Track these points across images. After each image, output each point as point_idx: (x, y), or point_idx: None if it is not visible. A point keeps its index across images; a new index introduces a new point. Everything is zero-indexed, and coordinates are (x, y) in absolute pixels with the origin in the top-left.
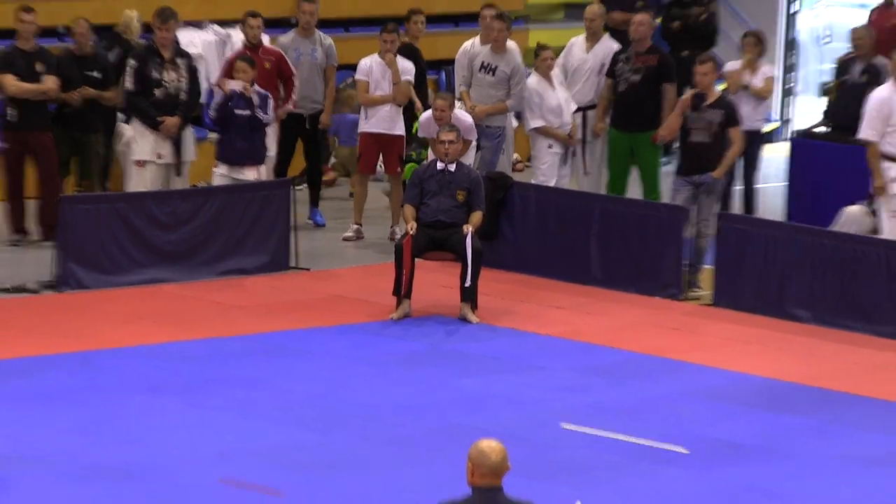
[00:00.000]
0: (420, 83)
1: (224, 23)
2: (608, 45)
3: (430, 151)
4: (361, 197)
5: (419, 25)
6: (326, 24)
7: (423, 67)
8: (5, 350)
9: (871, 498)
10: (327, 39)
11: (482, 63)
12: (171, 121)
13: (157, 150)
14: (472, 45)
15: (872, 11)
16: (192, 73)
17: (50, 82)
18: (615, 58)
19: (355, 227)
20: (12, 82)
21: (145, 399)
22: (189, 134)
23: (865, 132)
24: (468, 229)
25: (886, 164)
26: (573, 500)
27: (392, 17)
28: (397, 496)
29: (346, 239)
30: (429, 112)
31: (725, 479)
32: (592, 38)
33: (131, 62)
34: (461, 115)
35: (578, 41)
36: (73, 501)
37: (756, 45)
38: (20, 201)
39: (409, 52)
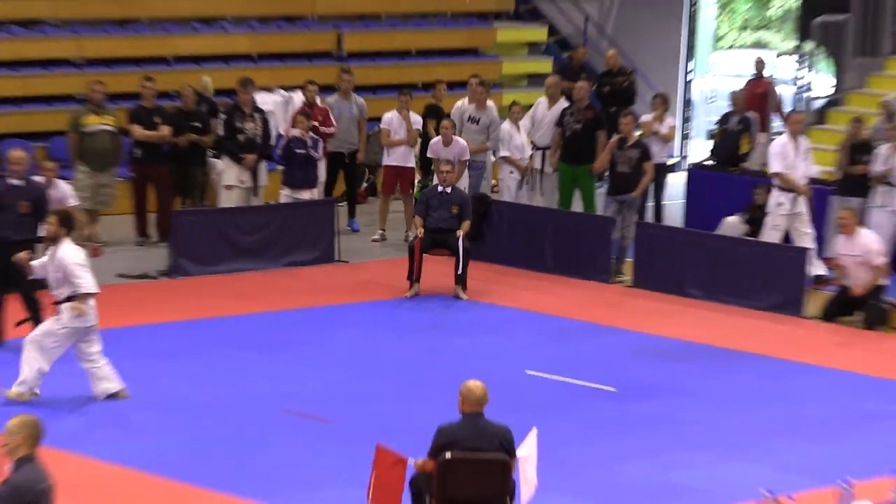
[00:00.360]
0: (437, 129)
1: (287, 88)
2: (562, 105)
3: (434, 177)
4: (384, 210)
5: (441, 91)
6: (360, 89)
7: (442, 118)
8: (133, 319)
9: (744, 419)
10: (360, 99)
11: (469, 116)
12: (251, 157)
13: (240, 178)
14: (462, 104)
15: (748, 82)
16: (265, 123)
17: (164, 130)
18: (563, 112)
19: (380, 232)
20: (138, 131)
21: (233, 353)
22: (263, 166)
23: (775, 167)
24: (461, 233)
25: (776, 192)
26: (536, 425)
27: (406, 83)
28: (410, 422)
29: (373, 240)
30: (436, 138)
31: (642, 410)
32: (552, 100)
33: (222, 115)
34: (458, 139)
35: (543, 101)
36: (180, 429)
37: (662, 103)
38: (144, 214)
39: (434, 109)
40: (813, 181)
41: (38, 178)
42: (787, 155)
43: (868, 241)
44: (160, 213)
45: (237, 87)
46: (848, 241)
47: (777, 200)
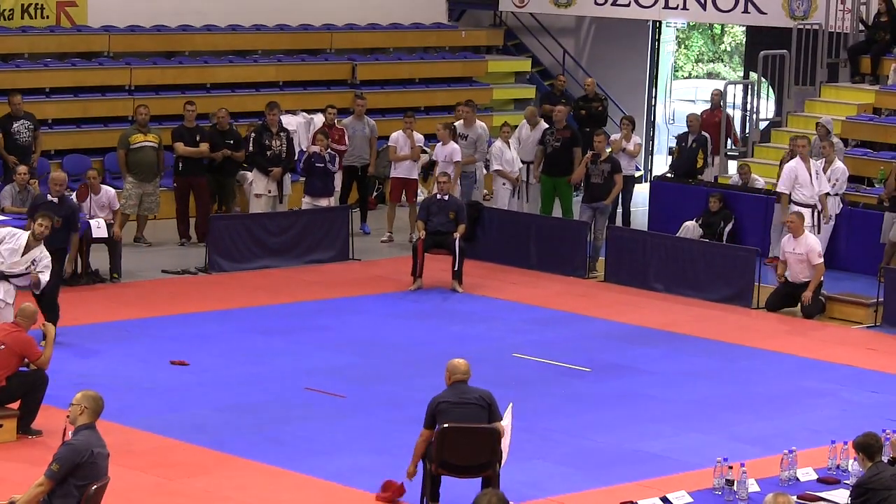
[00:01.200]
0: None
1: (309, 111)
2: (543, 127)
3: (433, 187)
4: (392, 216)
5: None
6: (371, 111)
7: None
8: (175, 309)
9: (700, 396)
10: (371, 121)
11: (459, 133)
12: (277, 170)
13: (268, 188)
14: (456, 123)
15: (703, 112)
16: (289, 141)
17: (203, 147)
18: (545, 132)
19: (388, 234)
20: (181, 147)
21: (260, 338)
22: (287, 178)
23: (781, 187)
24: (457, 235)
25: (795, 207)
26: (521, 399)
27: (410, 107)
28: (412, 395)
29: (382, 241)
30: (438, 145)
31: (612, 387)
32: (532, 125)
33: (252, 135)
34: (453, 144)
35: (525, 124)
36: (213, 405)
37: (629, 124)
38: (185, 219)
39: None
40: (758, 191)
41: (72, 195)
42: (793, 177)
43: (811, 242)
44: (199, 217)
45: (265, 109)
46: (794, 242)
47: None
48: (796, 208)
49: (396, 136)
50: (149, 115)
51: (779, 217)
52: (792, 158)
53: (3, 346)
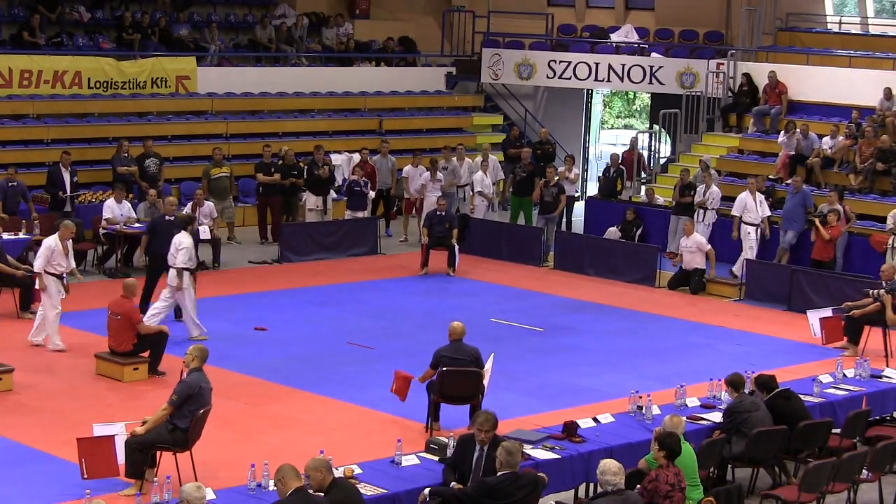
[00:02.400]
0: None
1: (350, 151)
2: (493, 160)
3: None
4: (406, 224)
5: (460, 152)
6: (393, 151)
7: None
8: (258, 288)
9: (620, 348)
10: (392, 158)
11: (442, 166)
12: (323, 191)
13: (317, 204)
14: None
15: (624, 151)
16: (331, 171)
17: (276, 176)
18: (515, 167)
19: (405, 237)
20: (261, 177)
21: (317, 308)
22: (330, 198)
23: (735, 211)
24: (454, 242)
25: (745, 228)
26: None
27: (419, 149)
28: (419, 348)
29: (401, 241)
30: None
31: (560, 342)
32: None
33: (305, 167)
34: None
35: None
36: (286, 351)
37: (571, 160)
38: (265, 226)
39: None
40: (659, 206)
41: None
42: (746, 204)
43: (699, 239)
44: (274, 225)
45: (313, 150)
46: (687, 239)
47: (745, 231)
48: (746, 227)
49: (409, 170)
50: (223, 154)
51: (675, 224)
52: (684, 185)
53: (119, 316)
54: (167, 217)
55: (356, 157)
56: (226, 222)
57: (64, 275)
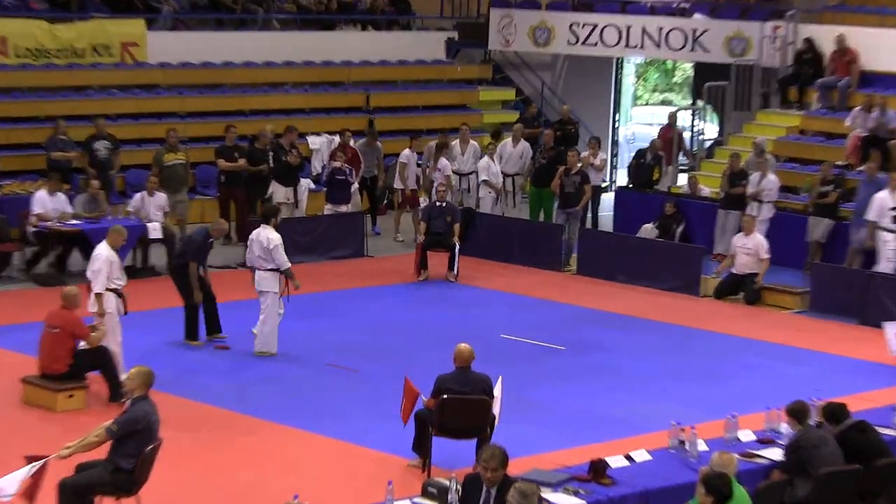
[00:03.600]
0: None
1: (331, 132)
2: (524, 144)
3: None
4: (398, 218)
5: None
6: (381, 133)
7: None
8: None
9: (657, 369)
10: (379, 144)
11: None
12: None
13: (287, 196)
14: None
15: (661, 128)
16: (302, 157)
17: (241, 162)
18: (535, 152)
19: (397, 234)
20: (223, 163)
21: (285, 323)
22: (303, 187)
23: (872, 215)
24: (456, 242)
25: (884, 236)
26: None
27: (415, 129)
28: (417, 370)
29: (397, 240)
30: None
31: (584, 362)
32: (515, 140)
33: (271, 153)
34: (443, 159)
35: (508, 141)
36: (253, 373)
37: (596, 143)
38: (227, 222)
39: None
40: (704, 199)
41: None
42: (884, 206)
43: (761, 241)
44: (238, 221)
45: (286, 130)
46: (745, 238)
47: (884, 238)
48: (884, 235)
49: (407, 155)
50: (178, 138)
51: (723, 219)
52: (735, 173)
53: (57, 329)
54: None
55: (337, 139)
56: (177, 218)
57: None
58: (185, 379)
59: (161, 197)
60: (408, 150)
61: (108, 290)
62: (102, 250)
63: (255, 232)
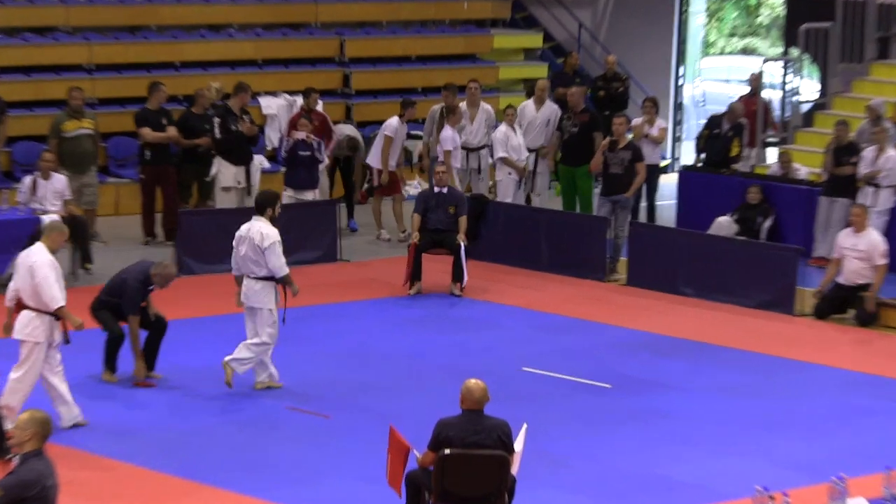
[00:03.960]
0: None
1: (291, 92)
2: (551, 107)
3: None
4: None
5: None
6: (360, 93)
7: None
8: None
9: (735, 415)
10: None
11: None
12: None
13: (237, 179)
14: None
15: (741, 97)
16: (256, 126)
17: (172, 131)
18: (561, 118)
19: (381, 231)
20: (149, 133)
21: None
22: (256, 167)
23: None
24: (462, 240)
25: None
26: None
27: (406, 88)
28: (409, 415)
29: (381, 239)
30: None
31: (635, 405)
32: (539, 102)
33: (217, 119)
34: (446, 130)
35: (528, 104)
36: (182, 427)
37: (652, 106)
38: (152, 214)
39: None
40: (800, 182)
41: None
42: None
43: (875, 239)
44: (166, 212)
45: (238, 89)
46: (854, 237)
47: None
48: None
49: (393, 124)
50: (83, 100)
51: (826, 210)
52: (841, 147)
53: None
54: None
55: (300, 102)
56: (83, 208)
57: None
58: (91, 427)
59: (60, 179)
60: (396, 119)
61: (32, 309)
62: (41, 255)
63: (244, 227)
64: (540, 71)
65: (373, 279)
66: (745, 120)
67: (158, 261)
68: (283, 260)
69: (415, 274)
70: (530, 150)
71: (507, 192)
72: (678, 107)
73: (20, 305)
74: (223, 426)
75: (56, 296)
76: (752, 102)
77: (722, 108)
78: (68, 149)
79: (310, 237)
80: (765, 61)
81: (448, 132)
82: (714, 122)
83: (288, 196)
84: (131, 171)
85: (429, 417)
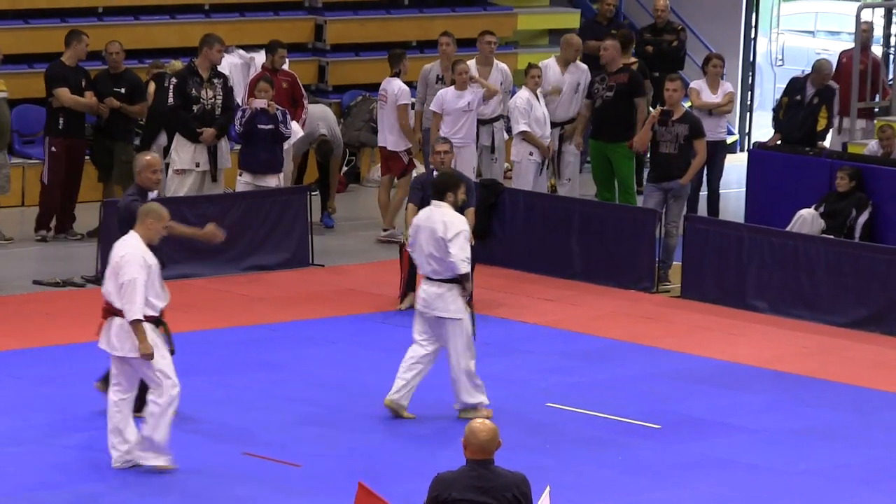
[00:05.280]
0: None
1: (248, 48)
2: (580, 67)
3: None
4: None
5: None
6: (340, 48)
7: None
8: (53, 338)
9: (813, 464)
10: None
11: (437, 76)
12: (209, 131)
13: (196, 160)
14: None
15: (843, 53)
16: (228, 92)
17: (89, 97)
18: (592, 80)
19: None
20: (67, 96)
21: (180, 380)
22: (224, 144)
23: None
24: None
25: None
26: (559, 471)
27: (397, 42)
28: (402, 466)
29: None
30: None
31: (690, 451)
32: (564, 64)
33: (173, 80)
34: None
35: (552, 64)
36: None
37: (718, 66)
38: (55, 200)
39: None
40: None
41: None
42: None
43: None
44: (64, 199)
45: (199, 45)
46: None
47: None
48: None
49: (400, 87)
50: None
51: None
52: None
53: None
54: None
55: (259, 59)
56: None
57: None
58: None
59: None
60: (397, 80)
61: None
62: (132, 247)
63: (422, 213)
64: (570, 20)
65: (353, 289)
66: (836, 85)
67: None
68: (467, 254)
69: (408, 283)
70: (555, 125)
71: (526, 177)
72: (750, 67)
73: (109, 310)
74: (163, 477)
75: (134, 306)
76: (848, 58)
77: (806, 69)
78: None
79: (272, 236)
80: (861, 7)
81: (446, 93)
82: (796, 86)
83: (244, 182)
84: (38, 150)
85: (422, 470)
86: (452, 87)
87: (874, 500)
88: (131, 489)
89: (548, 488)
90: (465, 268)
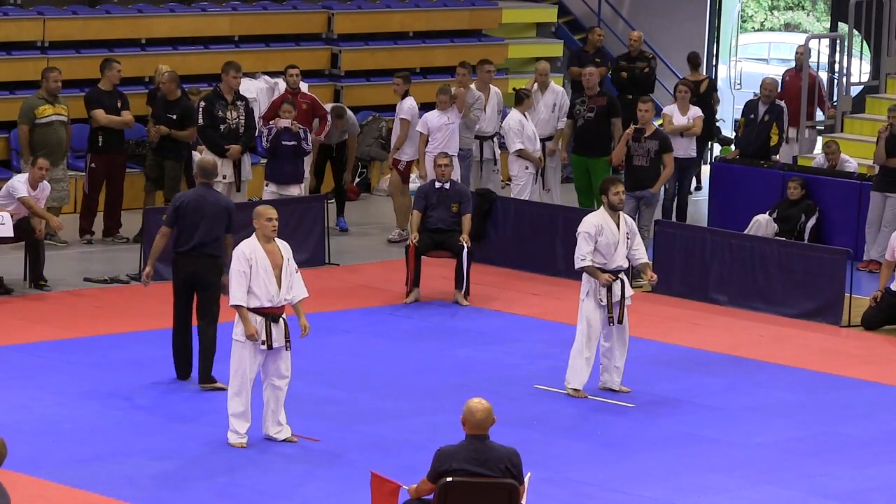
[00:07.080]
0: None
1: (273, 74)
2: (557, 92)
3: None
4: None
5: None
6: (351, 74)
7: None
8: (101, 328)
9: (774, 438)
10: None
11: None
12: (235, 148)
13: (222, 173)
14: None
15: (787, 72)
16: (249, 112)
17: (126, 116)
18: (573, 102)
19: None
20: (102, 115)
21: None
22: (247, 159)
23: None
24: (465, 241)
25: None
26: (546, 444)
27: (403, 69)
28: (408, 440)
29: (393, 240)
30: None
31: (662, 426)
32: (543, 87)
33: (202, 104)
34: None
35: (532, 89)
36: (152, 446)
37: (686, 90)
38: (94, 209)
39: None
40: (848, 175)
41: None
42: None
43: None
44: (107, 207)
45: (221, 71)
46: None
47: None
48: None
49: (409, 107)
50: (61, 82)
51: (878, 206)
52: (894, 131)
53: None
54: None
55: (282, 84)
56: (52, 206)
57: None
58: (50, 452)
59: (45, 188)
60: (411, 99)
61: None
62: (241, 245)
63: None
64: (554, 49)
65: (365, 285)
66: (784, 103)
67: None
68: (581, 252)
69: (413, 280)
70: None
71: (524, 188)
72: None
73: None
74: (193, 451)
75: (233, 292)
76: (798, 78)
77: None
78: (40, 137)
79: (294, 238)
80: (809, 38)
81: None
82: (750, 106)
83: (270, 192)
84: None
85: (426, 444)
86: (435, 110)
87: (822, 470)
88: (159, 458)
89: (528, 474)
90: (576, 264)
